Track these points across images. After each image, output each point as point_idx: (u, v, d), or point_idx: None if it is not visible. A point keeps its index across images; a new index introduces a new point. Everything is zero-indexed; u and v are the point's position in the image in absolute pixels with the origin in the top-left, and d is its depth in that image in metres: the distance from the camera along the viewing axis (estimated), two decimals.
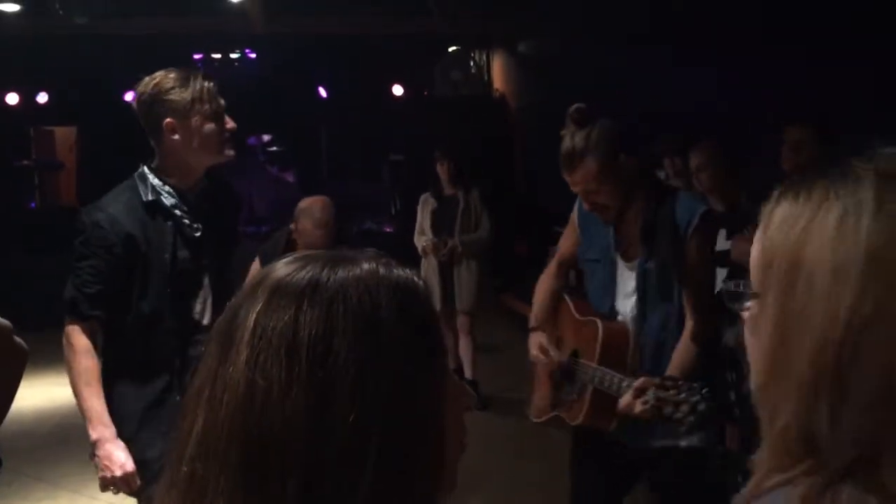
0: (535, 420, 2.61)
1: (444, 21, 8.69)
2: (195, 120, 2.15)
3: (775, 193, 0.64)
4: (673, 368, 2.20)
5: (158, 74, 2.18)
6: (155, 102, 2.15)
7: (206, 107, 2.16)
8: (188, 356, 2.17)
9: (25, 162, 9.72)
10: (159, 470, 2.12)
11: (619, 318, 2.35)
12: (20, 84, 8.83)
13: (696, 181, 3.74)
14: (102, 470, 2.08)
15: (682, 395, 2.00)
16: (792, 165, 3.29)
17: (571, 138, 2.20)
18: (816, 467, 0.59)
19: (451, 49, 9.86)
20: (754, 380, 0.66)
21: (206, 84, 2.17)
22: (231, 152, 2.24)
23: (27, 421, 5.17)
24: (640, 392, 2.08)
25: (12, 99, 8.98)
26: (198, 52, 9.16)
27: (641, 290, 2.30)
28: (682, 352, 2.22)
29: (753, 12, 4.69)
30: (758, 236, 0.66)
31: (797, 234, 0.60)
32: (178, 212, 2.19)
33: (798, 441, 0.60)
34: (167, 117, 2.14)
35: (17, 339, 1.91)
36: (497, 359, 6.32)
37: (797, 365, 0.59)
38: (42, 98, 9.06)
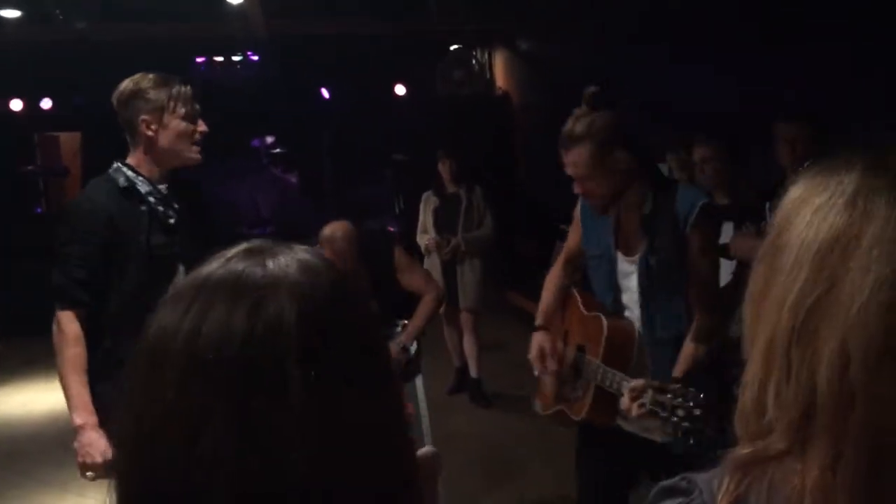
0: (541, 413, 2.60)
1: (445, 20, 8.69)
2: (168, 118, 2.26)
3: (799, 173, 0.65)
4: (677, 369, 2.18)
5: (138, 75, 2.30)
6: (133, 99, 2.27)
7: (182, 108, 2.28)
8: None
9: (31, 168, 9.75)
10: None
11: (626, 313, 2.33)
12: (24, 91, 8.86)
13: (700, 175, 3.74)
14: (83, 456, 2.15)
15: (679, 400, 1.99)
16: (789, 161, 3.32)
17: (574, 121, 2.20)
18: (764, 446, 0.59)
19: (452, 48, 9.86)
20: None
21: (182, 87, 2.30)
22: (197, 157, 2.34)
23: (37, 424, 5.19)
24: (636, 394, 2.07)
25: (16, 105, 9.00)
26: (200, 56, 9.18)
27: (644, 286, 2.27)
28: (685, 351, 2.20)
29: (752, 10, 4.68)
30: None
31: (786, 214, 0.61)
32: (152, 198, 2.28)
33: (754, 417, 0.60)
34: (143, 114, 2.26)
35: None
36: (502, 357, 6.32)
37: (760, 340, 0.60)
38: (46, 104, 9.08)
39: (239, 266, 0.66)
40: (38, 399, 5.38)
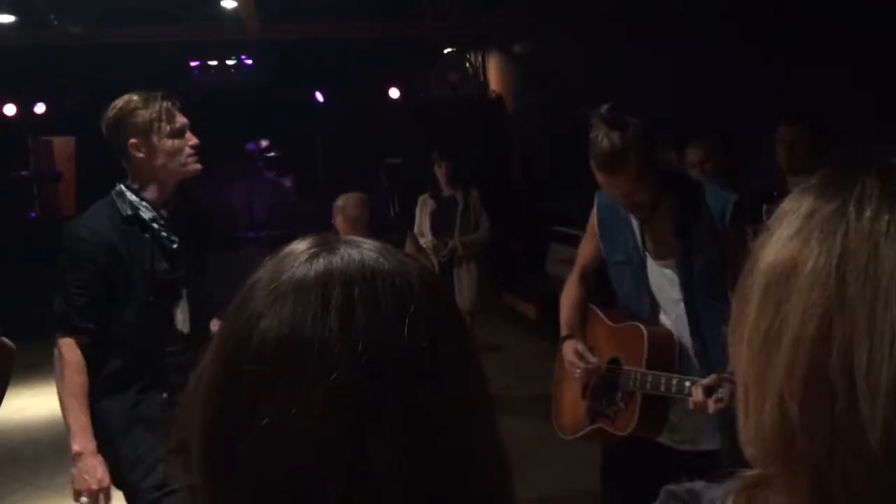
0: (567, 437, 2.49)
1: (438, 23, 8.72)
2: (156, 138, 2.29)
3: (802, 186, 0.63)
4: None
5: (121, 99, 2.33)
6: (119, 125, 2.30)
7: (167, 126, 2.30)
8: (172, 363, 2.28)
9: (24, 172, 9.73)
10: (153, 464, 2.18)
11: (662, 318, 2.29)
12: (17, 95, 8.85)
13: (701, 175, 3.75)
14: (78, 482, 2.19)
15: None
16: (787, 163, 3.32)
17: (609, 139, 2.09)
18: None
19: (446, 51, 9.88)
20: None
21: (165, 104, 2.32)
22: (197, 166, 2.37)
23: (33, 429, 5.18)
24: (711, 389, 1.99)
25: (10, 110, 8.99)
26: (194, 60, 9.18)
27: (688, 292, 2.21)
28: None
29: (752, 11, 4.70)
30: None
31: (769, 228, 0.60)
32: (155, 225, 2.31)
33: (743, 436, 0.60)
34: (131, 138, 2.28)
35: (4, 339, 2.01)
36: (497, 358, 6.33)
37: (737, 362, 0.60)
38: (39, 108, 9.07)
39: (353, 255, 0.62)
40: (36, 404, 5.36)
